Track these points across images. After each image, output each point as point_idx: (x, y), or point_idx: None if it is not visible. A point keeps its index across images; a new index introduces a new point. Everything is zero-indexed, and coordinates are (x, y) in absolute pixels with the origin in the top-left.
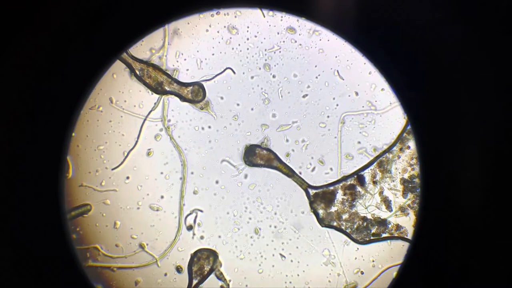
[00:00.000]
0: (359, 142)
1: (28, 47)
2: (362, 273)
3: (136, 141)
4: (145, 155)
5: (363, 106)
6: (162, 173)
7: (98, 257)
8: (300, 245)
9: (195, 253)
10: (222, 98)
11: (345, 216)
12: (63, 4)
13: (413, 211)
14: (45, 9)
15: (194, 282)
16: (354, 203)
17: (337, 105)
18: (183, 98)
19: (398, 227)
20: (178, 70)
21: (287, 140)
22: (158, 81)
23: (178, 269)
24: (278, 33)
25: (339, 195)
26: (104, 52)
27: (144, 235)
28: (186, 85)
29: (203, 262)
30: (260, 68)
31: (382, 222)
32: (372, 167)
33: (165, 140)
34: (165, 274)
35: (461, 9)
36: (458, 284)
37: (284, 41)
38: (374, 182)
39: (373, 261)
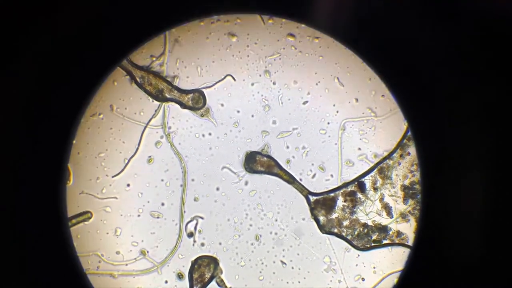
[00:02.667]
0: (359, 149)
1: (29, 55)
2: (363, 279)
3: (137, 148)
4: (145, 162)
5: (363, 113)
6: (162, 180)
7: (99, 264)
8: (301, 252)
9: (196, 260)
10: (222, 105)
11: (345, 223)
12: (64, 11)
13: (413, 217)
14: (46, 17)
15: None
16: (354, 209)
17: (337, 111)
18: (183, 105)
19: (399, 233)
20: (179, 77)
21: (287, 147)
22: (158, 88)
23: (179, 276)
24: (278, 40)
25: (340, 202)
26: (104, 59)
27: (144, 242)
28: (186, 92)
29: (204, 269)
30: (260, 75)
31: (383, 229)
32: (372, 173)
33: (166, 147)
34: (166, 281)
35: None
36: None
37: (284, 48)
38: (375, 189)
39: (374, 267)
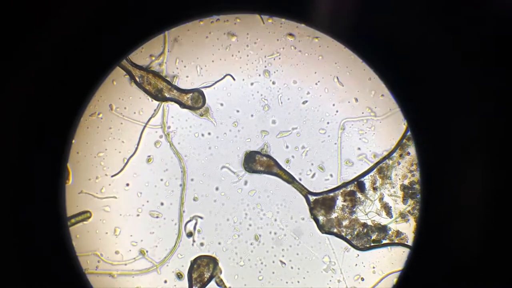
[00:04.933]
0: (359, 149)
1: (28, 54)
2: (362, 279)
3: (136, 148)
4: (145, 162)
5: (363, 112)
6: (162, 179)
7: (98, 264)
8: (300, 251)
9: (195, 260)
10: (221, 104)
11: (345, 223)
12: (64, 10)
13: (413, 217)
14: (46, 16)
15: None
16: (354, 209)
17: (337, 111)
18: (183, 105)
19: (398, 233)
20: (178, 77)
21: (287, 147)
22: (158, 87)
23: (178, 276)
24: (277, 40)
25: (339, 202)
26: (104, 59)
27: (144, 242)
28: (186, 91)
29: (203, 269)
30: (259, 75)
31: (383, 229)
32: (372, 173)
33: (165, 146)
34: (165, 281)
35: (454, 16)
36: None
37: (283, 48)
38: (374, 189)
39: (373, 267)
